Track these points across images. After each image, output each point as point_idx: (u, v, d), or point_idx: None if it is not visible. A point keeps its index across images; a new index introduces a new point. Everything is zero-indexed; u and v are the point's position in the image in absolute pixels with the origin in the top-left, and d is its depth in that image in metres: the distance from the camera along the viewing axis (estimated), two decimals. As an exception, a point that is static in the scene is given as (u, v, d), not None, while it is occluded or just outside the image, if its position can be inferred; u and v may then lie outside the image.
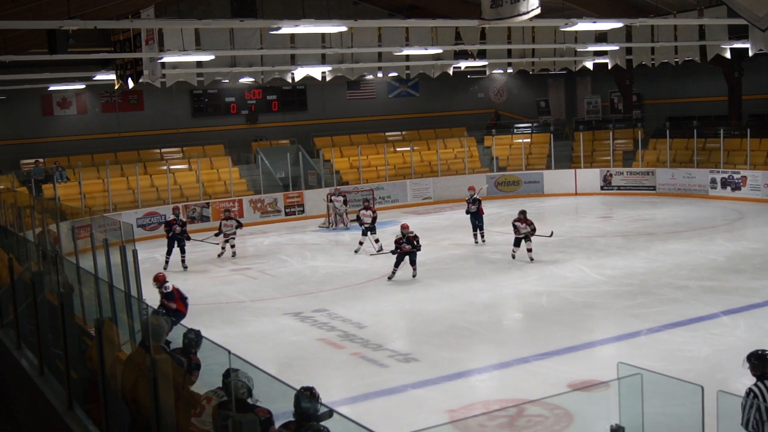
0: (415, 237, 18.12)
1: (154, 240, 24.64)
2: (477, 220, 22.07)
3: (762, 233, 21.67)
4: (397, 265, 18.14)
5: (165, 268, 19.97)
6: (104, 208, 25.66)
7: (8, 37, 18.58)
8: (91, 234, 12.87)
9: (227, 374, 6.46)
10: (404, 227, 18.23)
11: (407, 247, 17.92)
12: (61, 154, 29.82)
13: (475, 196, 22.03)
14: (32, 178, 27.13)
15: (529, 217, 19.30)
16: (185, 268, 20.63)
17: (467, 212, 22.22)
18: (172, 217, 21.27)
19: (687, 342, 12.75)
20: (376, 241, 21.59)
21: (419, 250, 18.17)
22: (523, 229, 19.08)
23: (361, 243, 21.87)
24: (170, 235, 20.59)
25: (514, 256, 19.44)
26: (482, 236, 22.09)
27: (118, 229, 14.82)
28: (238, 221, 22.11)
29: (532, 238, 19.19)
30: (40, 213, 17.07)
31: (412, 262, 18.15)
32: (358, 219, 22.17)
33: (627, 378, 4.61)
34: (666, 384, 5.02)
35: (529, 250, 19.16)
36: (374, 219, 21.82)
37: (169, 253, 20.76)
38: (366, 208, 22.08)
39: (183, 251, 20.77)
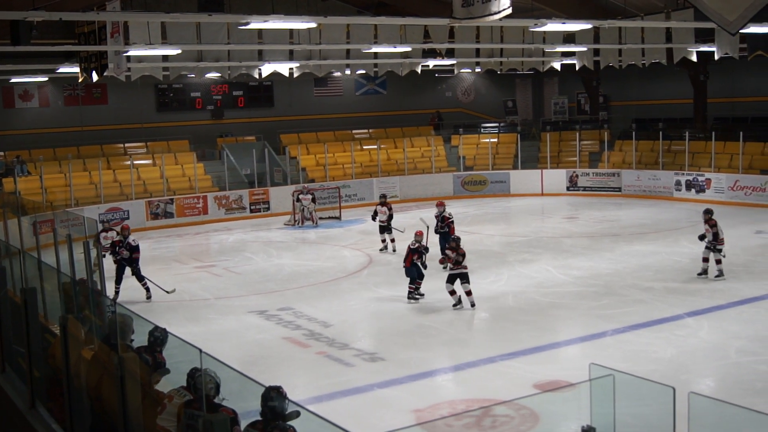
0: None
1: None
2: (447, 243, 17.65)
3: (726, 235, 21.73)
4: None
5: (114, 301, 14.97)
6: (66, 203, 25.41)
7: None
8: (53, 229, 12.74)
9: (192, 373, 6.46)
10: (419, 234, 16.52)
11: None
12: (22, 148, 29.43)
13: (444, 214, 19.09)
14: (-8, 171, 26.79)
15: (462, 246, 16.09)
16: (149, 297, 16.89)
17: (436, 232, 18.81)
18: (118, 237, 17.19)
19: (652, 343, 12.88)
20: (392, 240, 21.15)
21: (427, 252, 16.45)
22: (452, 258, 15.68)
23: (383, 241, 21.54)
24: (117, 258, 16.82)
25: (456, 304, 15.52)
26: None
27: (81, 224, 14.67)
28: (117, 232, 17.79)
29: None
30: (1, 207, 16.85)
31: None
32: (375, 215, 21.74)
33: (599, 379, 4.64)
34: (636, 385, 5.08)
35: (469, 293, 15.39)
36: (390, 217, 21.32)
37: (118, 281, 16.79)
38: (382, 204, 21.58)
39: (140, 278, 16.92)
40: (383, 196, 22.34)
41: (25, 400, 7.91)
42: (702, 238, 17.12)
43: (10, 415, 8.11)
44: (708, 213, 17.20)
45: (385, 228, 21.33)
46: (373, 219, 21.82)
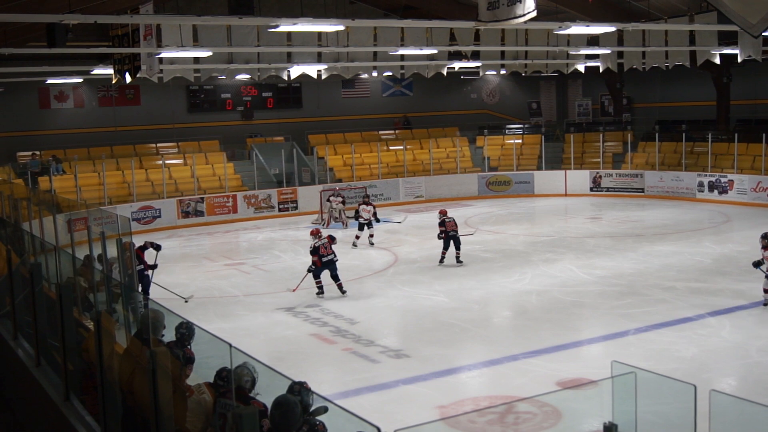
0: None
1: (148, 234, 24.76)
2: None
3: (748, 236, 21.76)
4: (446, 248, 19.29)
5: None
6: (99, 201, 25.80)
7: (8, 30, 18.65)
8: (87, 227, 12.94)
9: (221, 372, 6.54)
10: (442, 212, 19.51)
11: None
12: (57, 147, 29.89)
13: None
14: (29, 170, 27.20)
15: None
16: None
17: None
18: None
19: (674, 342, 12.89)
20: (370, 235, 22.22)
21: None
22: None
23: (357, 237, 22.28)
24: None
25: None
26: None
27: (114, 221, 14.89)
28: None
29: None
30: (37, 205, 17.15)
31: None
32: (357, 213, 22.56)
33: (621, 376, 4.65)
34: (658, 383, 5.07)
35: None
36: (374, 214, 22.31)
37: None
38: (366, 203, 22.51)
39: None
40: (366, 196, 23.46)
41: (59, 393, 8.03)
42: (757, 265, 14.97)
43: (46, 406, 8.23)
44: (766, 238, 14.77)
45: (367, 225, 22.20)
46: (356, 219, 22.64)
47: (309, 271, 16.71)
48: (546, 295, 16.33)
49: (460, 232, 19.58)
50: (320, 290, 16.65)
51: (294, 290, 17.06)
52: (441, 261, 19.40)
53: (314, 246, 16.54)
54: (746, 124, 32.53)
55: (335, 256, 16.68)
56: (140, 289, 16.09)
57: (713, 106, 32.65)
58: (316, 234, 16.86)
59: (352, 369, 12.28)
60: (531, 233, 23.94)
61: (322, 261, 16.52)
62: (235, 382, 6.16)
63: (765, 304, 14.93)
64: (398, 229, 25.06)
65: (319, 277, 16.62)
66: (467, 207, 29.94)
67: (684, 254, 19.86)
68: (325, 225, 26.48)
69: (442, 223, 19.24)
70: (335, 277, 16.73)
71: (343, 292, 16.74)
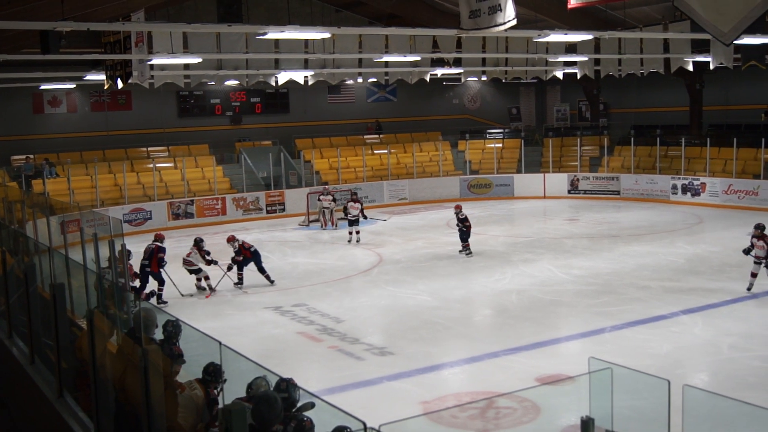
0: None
1: (139, 235, 24.97)
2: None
3: (719, 237, 22.28)
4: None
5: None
6: (92, 204, 25.99)
7: (2, 36, 18.71)
8: (80, 228, 13.14)
9: (207, 368, 6.93)
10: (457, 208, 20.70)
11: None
12: (50, 151, 30.07)
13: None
14: (22, 173, 27.36)
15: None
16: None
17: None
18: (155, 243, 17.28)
19: (648, 339, 13.22)
20: (357, 232, 22.80)
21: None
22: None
23: (350, 233, 22.94)
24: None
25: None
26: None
27: (106, 223, 15.07)
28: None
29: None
30: (31, 207, 17.31)
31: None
32: (345, 210, 23.19)
33: (597, 372, 4.78)
34: (633, 378, 5.25)
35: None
36: (361, 211, 23.04)
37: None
38: (354, 201, 23.19)
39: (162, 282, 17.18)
40: (354, 193, 24.03)
41: (53, 390, 8.11)
42: (747, 251, 16.08)
43: (40, 403, 8.34)
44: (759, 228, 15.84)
45: (355, 222, 22.92)
46: (345, 215, 23.33)
47: (229, 269, 17.97)
48: (525, 294, 16.63)
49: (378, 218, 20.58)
50: (240, 281, 18.11)
51: (208, 297, 17.50)
52: (469, 253, 20.65)
53: (239, 246, 17.99)
54: (718, 129, 32.99)
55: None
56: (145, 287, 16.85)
57: (686, 112, 33.13)
58: (232, 240, 18.21)
59: (338, 366, 12.48)
60: (511, 234, 24.25)
61: (251, 252, 18.11)
62: (252, 392, 6.39)
63: (748, 289, 15.76)
64: (383, 230, 25.37)
65: (242, 270, 18.09)
66: (449, 209, 30.11)
67: (658, 254, 20.23)
68: (323, 226, 26.58)
69: (466, 219, 20.51)
70: (262, 269, 18.19)
71: (272, 282, 17.98)
